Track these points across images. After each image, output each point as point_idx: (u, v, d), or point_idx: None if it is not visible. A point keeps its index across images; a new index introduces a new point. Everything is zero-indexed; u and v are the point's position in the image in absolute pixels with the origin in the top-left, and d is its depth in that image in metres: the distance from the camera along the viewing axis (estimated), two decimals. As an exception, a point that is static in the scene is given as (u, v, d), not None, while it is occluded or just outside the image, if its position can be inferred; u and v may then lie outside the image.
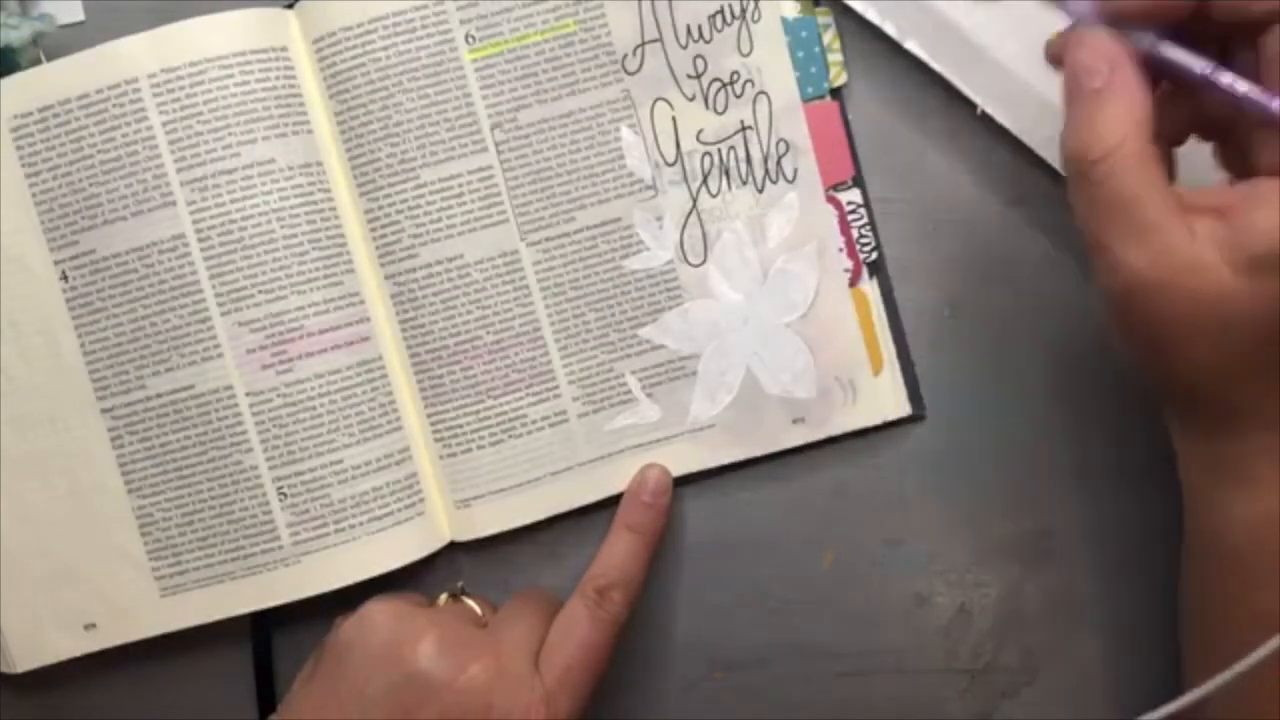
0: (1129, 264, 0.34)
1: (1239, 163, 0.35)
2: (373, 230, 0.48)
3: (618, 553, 0.47)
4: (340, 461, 0.47)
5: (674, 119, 0.48)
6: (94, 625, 0.48)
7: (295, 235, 0.47)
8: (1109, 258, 0.35)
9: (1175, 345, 0.35)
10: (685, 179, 0.48)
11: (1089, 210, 0.35)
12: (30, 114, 0.47)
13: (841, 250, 0.48)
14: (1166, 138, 0.36)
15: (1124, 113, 0.34)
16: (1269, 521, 0.36)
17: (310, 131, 0.48)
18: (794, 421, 0.49)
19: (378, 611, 0.45)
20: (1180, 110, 0.37)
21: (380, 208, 0.48)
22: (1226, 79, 0.32)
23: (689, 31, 0.48)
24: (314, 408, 0.47)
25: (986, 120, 0.47)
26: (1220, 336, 0.34)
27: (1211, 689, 0.33)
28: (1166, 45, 0.34)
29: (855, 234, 0.49)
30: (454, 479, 0.49)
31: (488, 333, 0.48)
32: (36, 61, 0.47)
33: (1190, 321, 0.34)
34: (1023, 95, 0.48)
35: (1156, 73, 0.34)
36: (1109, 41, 0.35)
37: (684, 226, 0.49)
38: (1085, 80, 0.35)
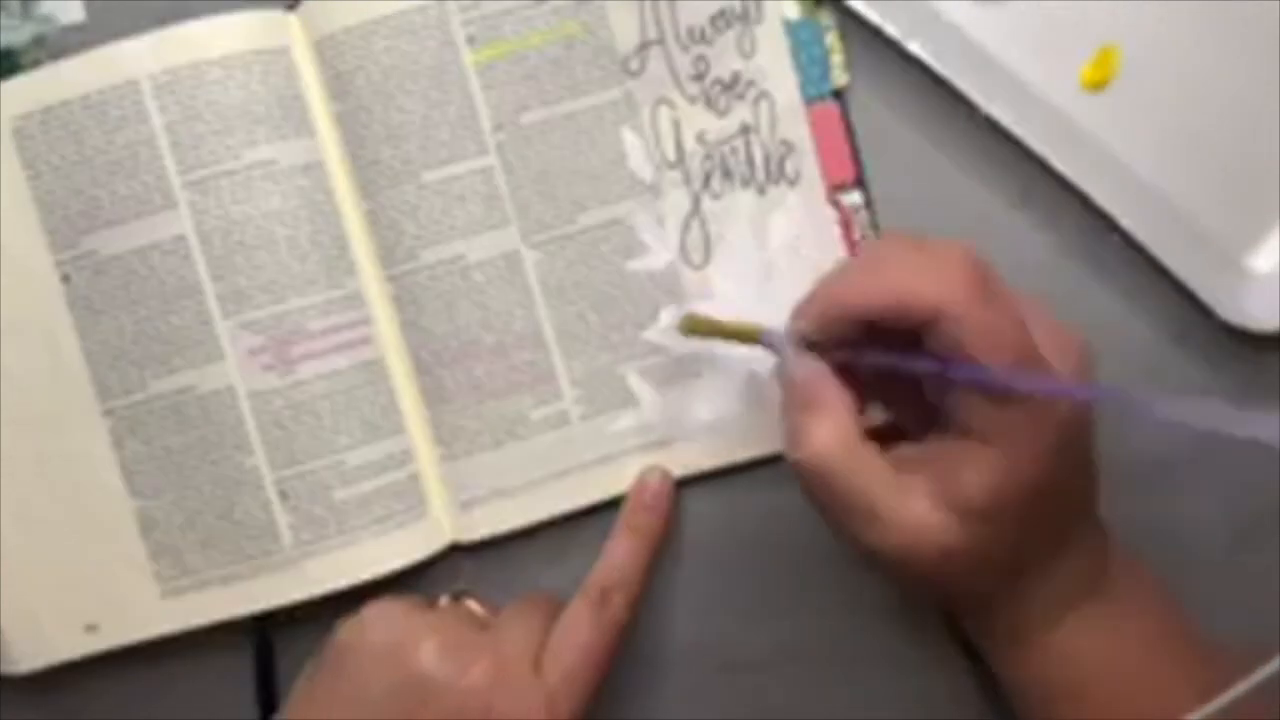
0: (865, 541, 0.40)
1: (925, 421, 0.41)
2: (374, 232, 0.48)
3: (619, 555, 0.47)
4: (342, 463, 0.47)
5: (676, 121, 0.48)
6: (95, 626, 0.48)
7: (297, 237, 0.47)
8: (848, 538, 0.40)
9: (918, 580, 0.41)
10: (687, 181, 0.48)
11: (818, 504, 0.40)
12: (32, 115, 0.47)
13: (844, 252, 0.48)
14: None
15: (830, 422, 0.39)
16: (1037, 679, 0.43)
17: (312, 133, 0.47)
18: (796, 423, 0.49)
19: (379, 614, 0.45)
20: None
21: (382, 209, 0.48)
22: (923, 364, 0.38)
23: (691, 33, 0.48)
24: (316, 409, 0.47)
25: (989, 122, 0.47)
26: (947, 566, 0.40)
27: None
28: (867, 354, 0.39)
29: (857, 236, 0.49)
30: (456, 481, 0.49)
31: (489, 334, 0.48)
32: (38, 62, 0.47)
33: (924, 563, 0.39)
34: (1025, 97, 0.48)
35: (857, 369, 0.40)
36: (810, 361, 0.41)
37: (686, 228, 0.49)
38: (795, 395, 0.41)
